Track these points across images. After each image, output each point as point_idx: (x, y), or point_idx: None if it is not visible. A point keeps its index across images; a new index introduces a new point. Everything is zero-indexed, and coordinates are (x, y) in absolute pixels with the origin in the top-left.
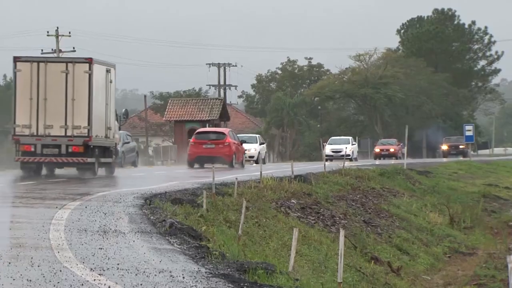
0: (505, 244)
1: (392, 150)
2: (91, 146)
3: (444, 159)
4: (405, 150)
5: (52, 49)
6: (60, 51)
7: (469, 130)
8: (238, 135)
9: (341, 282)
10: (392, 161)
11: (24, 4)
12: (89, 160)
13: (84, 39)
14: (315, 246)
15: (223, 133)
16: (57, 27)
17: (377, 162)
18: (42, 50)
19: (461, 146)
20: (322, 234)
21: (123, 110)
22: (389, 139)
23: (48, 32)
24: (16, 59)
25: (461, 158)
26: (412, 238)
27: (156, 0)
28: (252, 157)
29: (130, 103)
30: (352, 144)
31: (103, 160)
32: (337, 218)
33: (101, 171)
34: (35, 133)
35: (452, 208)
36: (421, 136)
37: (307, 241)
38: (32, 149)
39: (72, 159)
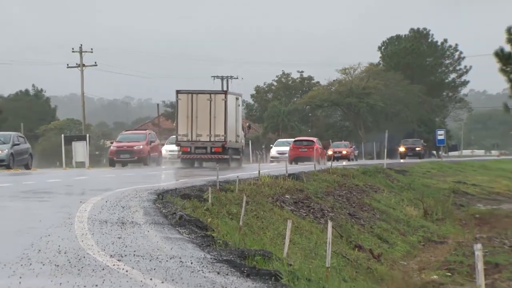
0: (472, 234)
1: (344, 152)
2: (227, 147)
3: (402, 160)
4: (386, 152)
5: (76, 64)
6: (83, 65)
7: (441, 134)
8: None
9: (328, 267)
10: (344, 163)
11: (51, 22)
12: (225, 156)
13: (105, 54)
14: (306, 235)
15: (312, 141)
16: (81, 45)
17: (328, 163)
18: (67, 65)
19: (417, 148)
20: (313, 225)
21: (247, 124)
22: (342, 142)
23: (73, 48)
24: (178, 92)
25: (433, 159)
26: (391, 229)
27: (167, 20)
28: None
29: (145, 111)
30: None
31: (234, 157)
32: (326, 211)
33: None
34: (190, 139)
35: (426, 202)
36: (399, 140)
37: (299, 231)
38: (189, 150)
39: (214, 156)
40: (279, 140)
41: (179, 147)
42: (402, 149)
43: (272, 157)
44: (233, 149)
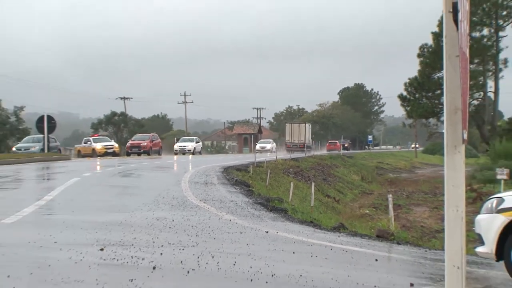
0: (386, 189)
1: (300, 146)
2: (304, 145)
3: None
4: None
5: (182, 101)
6: (186, 102)
7: (370, 138)
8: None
9: (312, 206)
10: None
11: (169, 77)
12: (304, 149)
13: (198, 96)
14: (300, 189)
15: (336, 141)
16: (185, 91)
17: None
18: (178, 102)
19: (345, 144)
20: (304, 185)
21: (312, 136)
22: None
23: (180, 93)
24: (286, 122)
25: (365, 150)
26: (344, 186)
27: (227, 76)
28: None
29: (218, 126)
30: (197, 142)
31: (307, 149)
32: (311, 177)
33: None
34: (291, 141)
35: (362, 172)
36: (347, 141)
37: (297, 188)
38: (290, 146)
39: (299, 149)
40: (183, 138)
41: (286, 145)
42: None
43: (257, 150)
44: (307, 146)
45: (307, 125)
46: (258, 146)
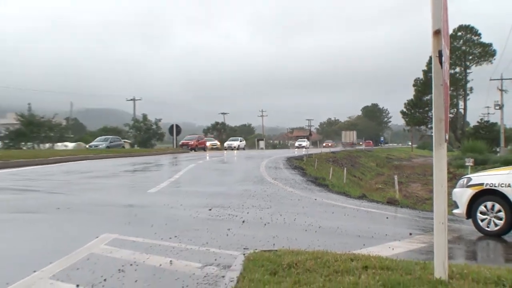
0: (393, 172)
1: (329, 144)
2: (353, 144)
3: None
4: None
5: (260, 116)
6: (262, 115)
7: (382, 138)
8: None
9: (344, 183)
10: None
11: (245, 102)
12: (353, 146)
13: (271, 110)
14: (337, 172)
15: (370, 141)
16: (262, 109)
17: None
18: (257, 115)
19: (361, 143)
20: (339, 169)
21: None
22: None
23: (259, 110)
24: (342, 130)
25: (379, 147)
26: (365, 170)
27: (282, 97)
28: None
29: (283, 131)
30: (241, 141)
31: (355, 145)
32: (343, 164)
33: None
34: (345, 141)
35: (377, 161)
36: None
37: (335, 171)
38: (344, 144)
39: (349, 147)
40: (231, 138)
41: (342, 143)
42: (361, 142)
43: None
44: (354, 143)
45: (354, 131)
46: (296, 144)
